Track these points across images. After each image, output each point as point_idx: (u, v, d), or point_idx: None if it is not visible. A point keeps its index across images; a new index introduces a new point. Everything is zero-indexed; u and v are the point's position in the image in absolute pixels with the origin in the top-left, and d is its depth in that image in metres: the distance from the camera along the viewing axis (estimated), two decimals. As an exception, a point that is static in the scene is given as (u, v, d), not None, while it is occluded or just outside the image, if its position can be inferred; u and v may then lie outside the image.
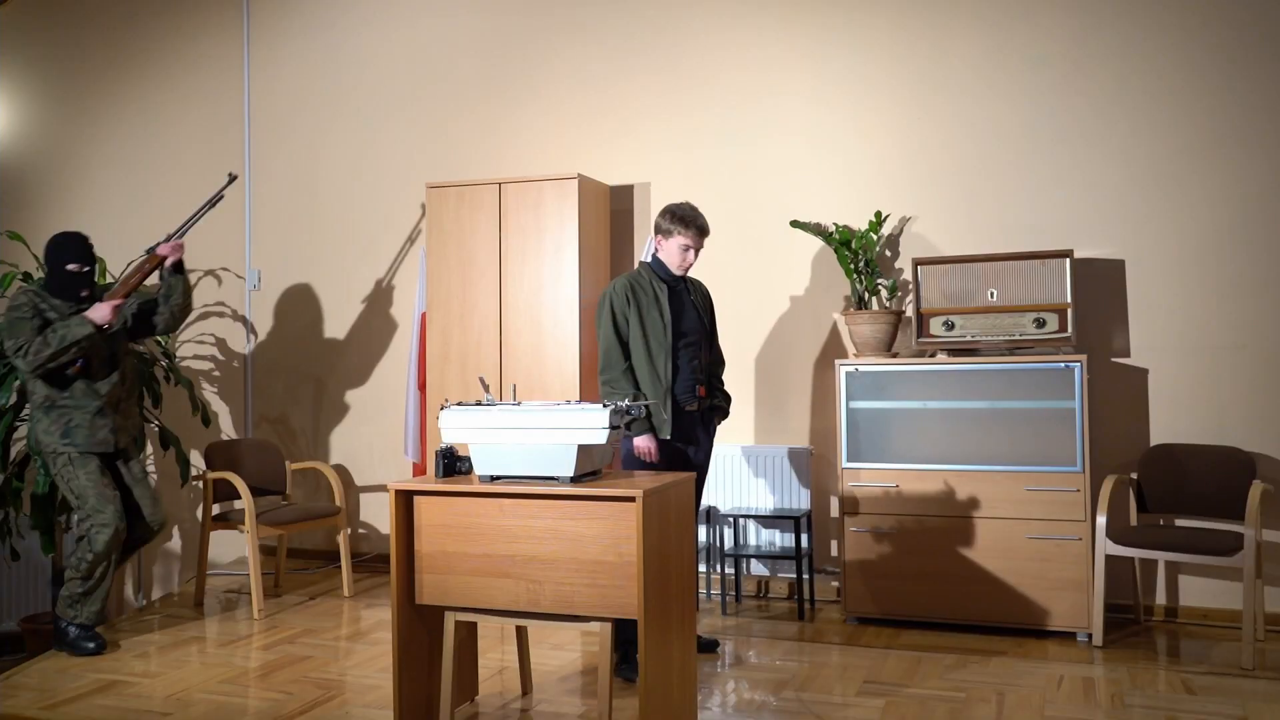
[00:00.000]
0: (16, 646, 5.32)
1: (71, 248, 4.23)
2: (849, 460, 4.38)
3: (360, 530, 5.76)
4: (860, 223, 4.78)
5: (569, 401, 3.24)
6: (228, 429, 6.08)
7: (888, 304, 4.70)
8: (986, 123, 4.70)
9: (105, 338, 4.18)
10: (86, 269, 4.24)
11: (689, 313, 3.89)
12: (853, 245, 4.57)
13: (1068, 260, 4.23)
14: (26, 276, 5.42)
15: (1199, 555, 3.85)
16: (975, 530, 4.20)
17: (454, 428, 3.06)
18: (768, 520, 4.82)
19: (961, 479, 4.22)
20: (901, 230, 4.80)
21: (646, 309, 3.78)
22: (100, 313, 4.12)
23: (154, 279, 4.36)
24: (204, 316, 6.13)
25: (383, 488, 5.68)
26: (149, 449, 6.03)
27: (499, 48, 5.54)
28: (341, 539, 5.04)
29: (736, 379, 5.04)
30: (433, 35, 5.68)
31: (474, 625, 3.40)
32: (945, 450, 4.25)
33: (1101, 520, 3.98)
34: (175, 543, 6.16)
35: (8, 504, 5.11)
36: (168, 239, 4.29)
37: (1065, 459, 4.09)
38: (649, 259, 3.94)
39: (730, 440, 5.00)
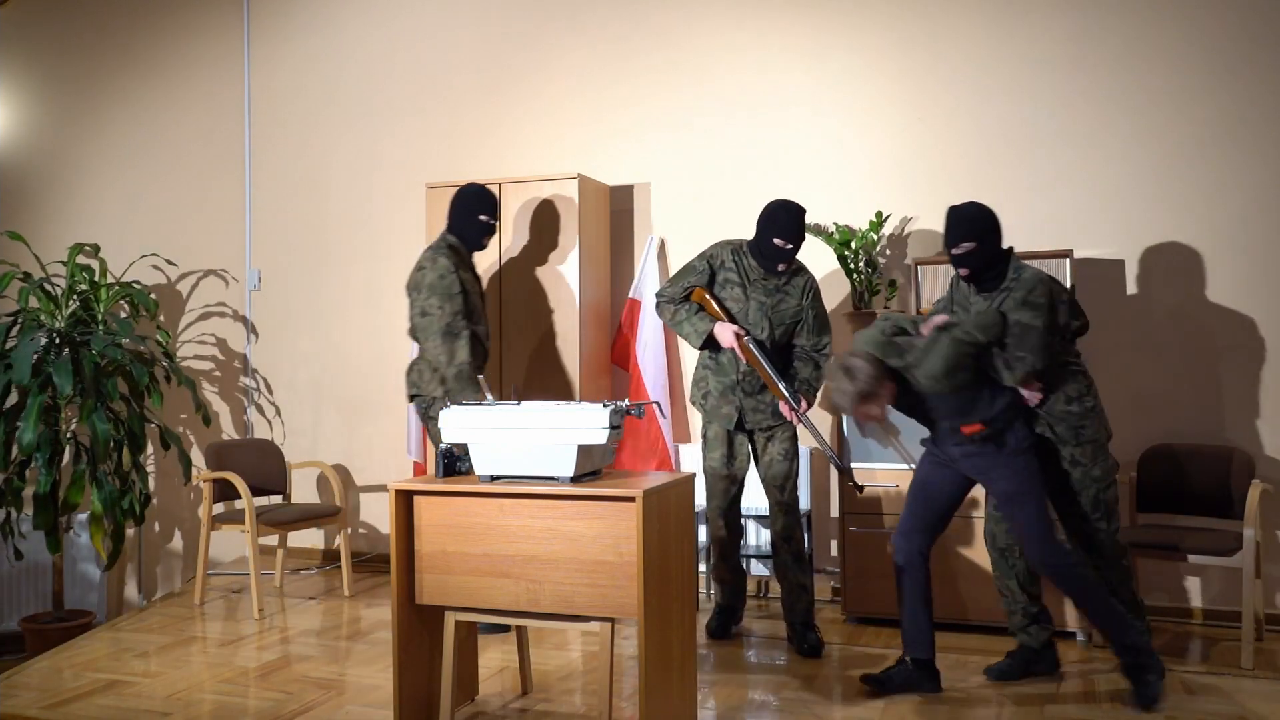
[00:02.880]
0: (17, 646, 5.33)
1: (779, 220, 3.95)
2: (849, 460, 4.37)
3: (360, 530, 5.76)
4: (860, 223, 4.78)
5: (569, 401, 3.24)
6: (228, 429, 6.08)
7: (888, 304, 4.70)
8: (987, 123, 4.70)
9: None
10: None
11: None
12: (853, 245, 4.57)
13: (1068, 260, 4.23)
14: (28, 277, 5.42)
15: (1199, 555, 3.84)
16: (975, 530, 4.20)
17: (454, 427, 3.06)
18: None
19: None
20: (901, 230, 4.80)
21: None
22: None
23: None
24: (204, 316, 6.13)
25: (383, 488, 5.69)
26: (149, 448, 6.04)
27: (499, 48, 5.54)
28: (341, 539, 5.05)
29: (736, 379, 5.04)
30: (433, 35, 5.68)
31: (474, 625, 3.40)
32: (945, 450, 4.24)
33: (1101, 520, 3.97)
34: (175, 543, 6.16)
35: (9, 504, 5.12)
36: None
37: (1065, 459, 4.08)
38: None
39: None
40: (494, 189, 5.00)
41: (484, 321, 4.23)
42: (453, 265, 4.07)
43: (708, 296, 4.00)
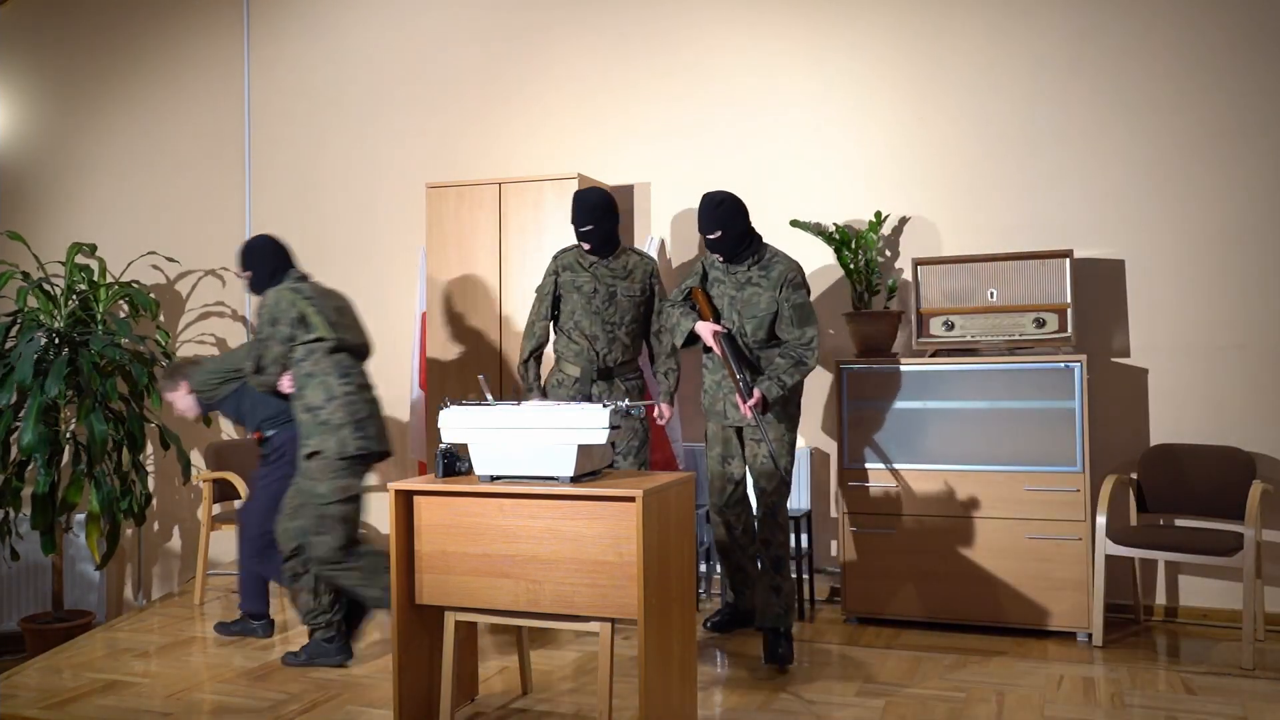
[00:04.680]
0: (17, 646, 5.33)
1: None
2: (849, 460, 4.38)
3: (360, 530, 5.75)
4: (860, 223, 4.78)
5: (569, 401, 3.24)
6: (228, 429, 6.08)
7: (888, 304, 4.70)
8: (986, 123, 4.70)
9: None
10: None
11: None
12: (853, 245, 4.57)
13: (1068, 260, 4.23)
14: (27, 277, 5.42)
15: (1199, 555, 3.85)
16: (975, 530, 4.20)
17: (454, 427, 3.06)
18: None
19: (961, 479, 4.22)
20: (901, 230, 4.80)
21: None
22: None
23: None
24: (204, 316, 6.13)
25: (383, 488, 5.68)
26: (149, 449, 6.04)
27: (499, 47, 5.54)
28: (341, 539, 5.04)
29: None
30: (433, 35, 5.68)
31: (474, 625, 3.40)
32: (945, 450, 4.25)
33: (1101, 520, 3.98)
34: (175, 543, 6.16)
35: (8, 504, 5.12)
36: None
37: (1065, 459, 4.09)
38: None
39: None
40: (494, 189, 5.02)
41: (586, 318, 4.13)
42: (553, 268, 4.19)
43: (701, 293, 3.97)
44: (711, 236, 3.87)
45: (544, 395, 4.22)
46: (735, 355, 3.81)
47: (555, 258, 4.23)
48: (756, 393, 3.74)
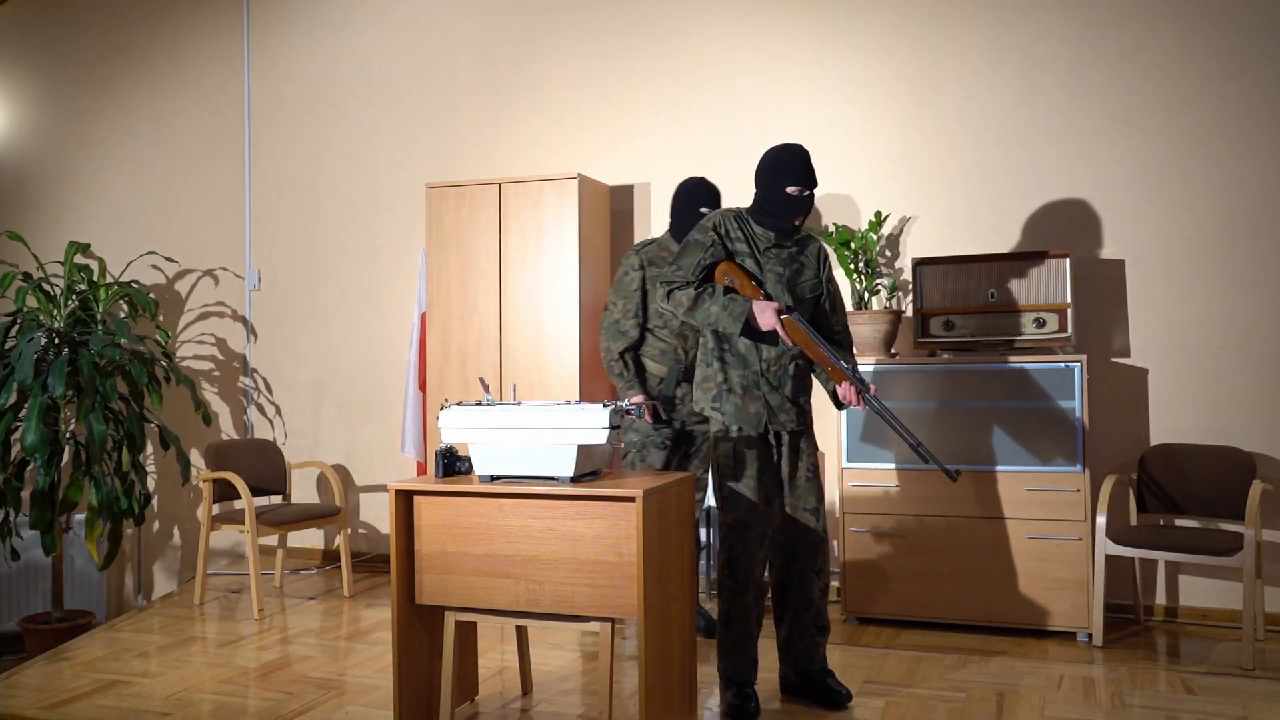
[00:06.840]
0: (16, 646, 5.32)
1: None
2: (849, 460, 4.38)
3: (360, 530, 5.76)
4: (860, 223, 4.78)
5: (569, 401, 3.24)
6: (228, 429, 6.08)
7: (888, 304, 4.70)
8: (986, 123, 4.70)
9: None
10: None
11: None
12: (853, 245, 4.57)
13: (1068, 260, 4.23)
14: (27, 277, 5.42)
15: (1199, 555, 3.84)
16: (975, 530, 4.20)
17: (454, 427, 3.06)
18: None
19: (961, 479, 4.22)
20: (901, 230, 4.80)
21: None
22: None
23: None
24: (204, 316, 6.14)
25: (383, 488, 5.69)
26: (149, 449, 6.04)
27: (499, 48, 5.54)
28: (341, 539, 5.05)
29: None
30: (433, 35, 5.68)
31: (474, 625, 3.40)
32: (945, 450, 4.25)
33: (1101, 520, 3.98)
34: (175, 543, 6.16)
35: (8, 504, 5.12)
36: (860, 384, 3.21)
37: (1065, 459, 4.09)
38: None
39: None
40: (494, 189, 5.02)
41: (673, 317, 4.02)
42: (637, 263, 4.07)
43: (735, 268, 3.26)
44: (808, 191, 3.21)
45: (645, 387, 4.05)
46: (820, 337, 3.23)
47: (637, 253, 4.08)
48: (872, 385, 3.22)
